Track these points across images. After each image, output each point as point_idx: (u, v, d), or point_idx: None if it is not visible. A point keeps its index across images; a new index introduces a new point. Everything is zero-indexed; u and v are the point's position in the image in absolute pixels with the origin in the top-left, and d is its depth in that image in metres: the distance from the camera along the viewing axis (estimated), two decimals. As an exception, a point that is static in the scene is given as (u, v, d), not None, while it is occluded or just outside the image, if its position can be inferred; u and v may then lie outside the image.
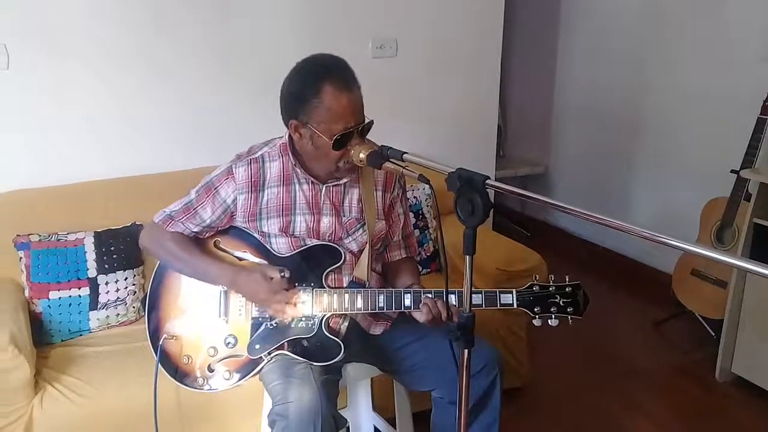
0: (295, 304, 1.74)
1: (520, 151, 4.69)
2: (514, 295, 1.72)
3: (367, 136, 1.72)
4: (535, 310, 1.72)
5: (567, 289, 1.73)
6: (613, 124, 3.92)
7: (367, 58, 2.99)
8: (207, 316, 1.82)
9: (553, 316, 1.72)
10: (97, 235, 2.33)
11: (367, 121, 1.70)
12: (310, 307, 1.76)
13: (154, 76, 2.62)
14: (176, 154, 2.66)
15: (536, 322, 1.72)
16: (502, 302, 1.72)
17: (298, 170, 1.78)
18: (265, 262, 1.80)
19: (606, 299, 3.57)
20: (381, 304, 1.74)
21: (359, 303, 1.75)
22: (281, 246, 1.80)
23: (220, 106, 2.74)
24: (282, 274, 1.73)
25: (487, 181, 1.21)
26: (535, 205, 4.48)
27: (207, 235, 1.85)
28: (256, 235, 1.82)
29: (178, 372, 1.81)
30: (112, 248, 2.33)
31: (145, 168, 2.59)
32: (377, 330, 1.91)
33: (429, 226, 2.78)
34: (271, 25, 2.76)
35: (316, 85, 1.64)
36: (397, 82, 3.07)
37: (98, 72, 2.52)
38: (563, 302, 1.72)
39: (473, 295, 1.65)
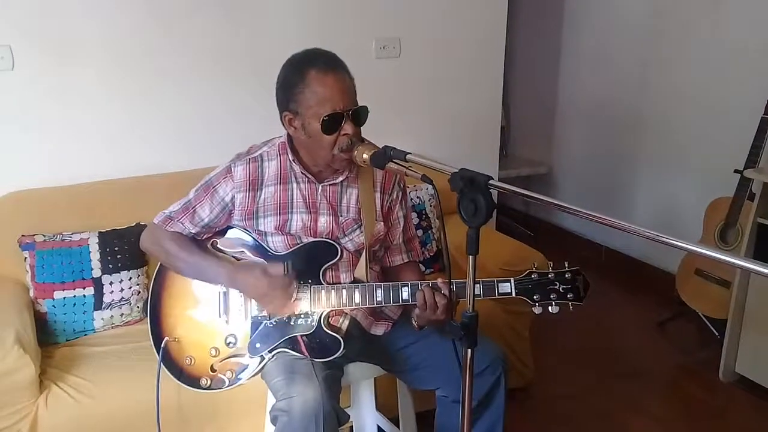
0: (294, 302, 1.74)
1: (523, 151, 4.69)
2: (513, 284, 1.70)
3: (371, 137, 1.72)
4: (535, 297, 1.69)
5: (566, 275, 1.70)
6: (616, 124, 3.92)
7: (371, 59, 2.99)
8: (208, 316, 1.83)
9: (553, 303, 1.69)
10: (102, 235, 2.34)
11: (359, 106, 1.70)
12: (308, 304, 1.76)
13: (159, 76, 2.62)
14: (180, 155, 2.66)
15: (536, 310, 1.70)
16: (500, 291, 1.70)
17: (296, 168, 1.78)
18: (263, 261, 1.81)
19: (609, 299, 3.57)
20: (379, 298, 1.74)
21: (357, 298, 1.75)
22: (277, 244, 1.81)
23: (224, 106, 2.75)
24: (285, 271, 1.73)
25: (491, 182, 1.21)
26: (538, 205, 4.47)
27: (205, 236, 1.86)
28: (253, 234, 1.83)
29: (182, 374, 1.81)
30: (117, 248, 2.34)
31: (149, 168, 2.60)
32: (378, 330, 1.91)
33: (432, 226, 2.78)
34: (274, 26, 2.76)
35: (301, 72, 1.66)
36: (400, 82, 3.07)
37: (103, 72, 2.53)
38: (563, 288, 1.69)
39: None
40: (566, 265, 1.72)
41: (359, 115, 1.70)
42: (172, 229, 1.83)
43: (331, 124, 1.66)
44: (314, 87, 1.65)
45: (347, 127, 1.67)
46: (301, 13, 2.81)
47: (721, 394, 2.77)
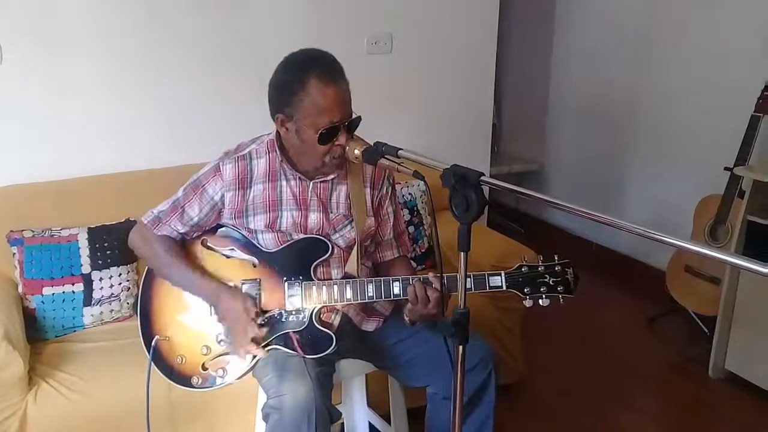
0: (256, 346, 1.73)
1: (515, 147, 4.69)
2: (503, 277, 1.71)
3: (363, 133, 1.71)
4: (525, 290, 1.70)
5: (556, 268, 1.71)
6: (608, 121, 3.92)
7: (362, 54, 2.98)
8: (199, 315, 1.82)
9: (543, 296, 1.70)
10: (91, 231, 2.32)
11: (354, 116, 1.70)
12: (300, 300, 1.76)
13: (151, 71, 2.60)
14: (172, 151, 2.64)
15: (527, 303, 1.71)
16: (491, 285, 1.71)
17: (285, 166, 1.77)
18: (254, 258, 1.80)
19: (600, 295, 3.58)
20: (370, 293, 1.74)
21: (348, 294, 1.75)
22: (268, 242, 1.80)
23: (216, 102, 2.73)
24: (260, 319, 1.74)
25: (482, 178, 1.21)
26: (529, 202, 4.48)
27: (195, 235, 1.85)
28: (243, 232, 1.82)
29: (173, 372, 1.80)
30: (106, 244, 2.32)
31: (139, 164, 2.58)
32: (369, 326, 1.91)
33: (424, 222, 2.78)
34: (268, 22, 2.74)
35: (302, 78, 1.64)
36: (391, 78, 3.07)
37: (93, 67, 2.51)
38: (553, 281, 1.70)
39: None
40: (556, 259, 1.73)
41: (353, 126, 1.70)
42: (161, 233, 1.82)
43: (328, 137, 1.66)
44: (315, 97, 1.63)
45: (341, 138, 1.67)
46: (295, 10, 2.79)
47: (711, 391, 2.78)
